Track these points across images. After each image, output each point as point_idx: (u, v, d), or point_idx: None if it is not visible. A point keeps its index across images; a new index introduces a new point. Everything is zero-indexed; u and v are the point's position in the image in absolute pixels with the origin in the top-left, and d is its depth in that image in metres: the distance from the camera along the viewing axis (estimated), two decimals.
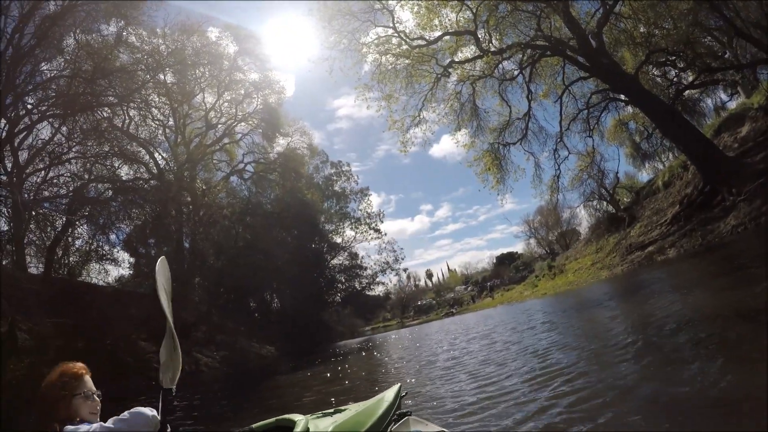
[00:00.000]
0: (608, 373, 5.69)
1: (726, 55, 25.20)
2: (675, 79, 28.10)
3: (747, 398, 3.81)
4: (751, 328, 5.82)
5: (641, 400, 4.48)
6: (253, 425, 3.70)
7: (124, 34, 24.99)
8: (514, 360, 8.11)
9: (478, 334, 16.90)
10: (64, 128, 22.40)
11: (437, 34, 26.57)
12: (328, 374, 13.72)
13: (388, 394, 4.35)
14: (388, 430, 3.52)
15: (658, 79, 28.54)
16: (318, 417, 3.90)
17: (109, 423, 2.44)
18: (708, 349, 5.45)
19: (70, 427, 2.33)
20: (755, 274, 9.24)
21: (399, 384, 4.87)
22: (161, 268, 3.09)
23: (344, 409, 4.14)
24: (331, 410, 4.14)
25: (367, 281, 47.98)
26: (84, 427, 2.36)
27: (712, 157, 21.75)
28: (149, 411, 2.54)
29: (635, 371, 5.40)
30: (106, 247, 25.47)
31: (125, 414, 2.51)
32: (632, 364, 5.81)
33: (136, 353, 21.28)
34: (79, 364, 2.58)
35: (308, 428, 3.39)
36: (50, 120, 22.06)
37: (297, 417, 3.62)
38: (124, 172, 26.33)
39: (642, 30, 24.49)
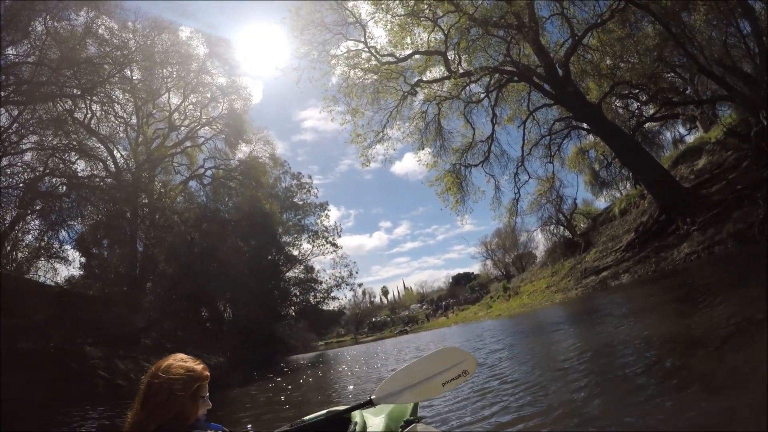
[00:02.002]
0: (568, 403, 5.64)
1: (687, 91, 26.34)
2: (637, 112, 29.33)
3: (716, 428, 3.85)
4: (710, 356, 5.87)
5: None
6: (305, 417, 3.75)
7: (95, 25, 24.08)
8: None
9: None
10: (23, 117, 21.36)
11: (408, 52, 26.81)
12: (271, 394, 13.40)
13: None
14: None
15: (620, 111, 29.71)
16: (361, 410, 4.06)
17: None
18: (671, 378, 5.43)
19: None
20: (709, 302, 9.40)
21: None
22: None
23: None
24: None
25: (321, 296, 47.48)
26: None
27: (668, 187, 22.65)
28: None
29: (598, 402, 5.34)
30: (57, 245, 24.40)
31: None
32: (593, 393, 5.76)
33: (80, 358, 20.33)
34: (200, 363, 2.35)
35: (364, 419, 3.62)
36: (9, 107, 21.04)
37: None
38: (80, 167, 25.35)
39: (608, 62, 25.41)
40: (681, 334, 7.44)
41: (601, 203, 41.58)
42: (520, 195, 30.62)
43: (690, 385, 4.97)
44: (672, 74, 26.30)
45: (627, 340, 8.74)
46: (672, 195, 22.27)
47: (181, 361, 2.27)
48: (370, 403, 3.47)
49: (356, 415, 3.62)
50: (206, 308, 38.27)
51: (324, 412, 3.83)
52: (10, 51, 20.64)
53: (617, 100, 28.96)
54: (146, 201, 30.54)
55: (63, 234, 24.62)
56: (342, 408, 3.84)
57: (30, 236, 23.57)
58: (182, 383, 2.18)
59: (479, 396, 7.35)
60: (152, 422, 2.09)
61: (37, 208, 22.25)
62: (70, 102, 23.22)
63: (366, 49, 27.03)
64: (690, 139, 31.72)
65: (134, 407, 2.18)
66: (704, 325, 7.58)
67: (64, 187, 23.53)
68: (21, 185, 21.25)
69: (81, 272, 28.59)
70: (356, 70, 27.39)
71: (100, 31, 24.33)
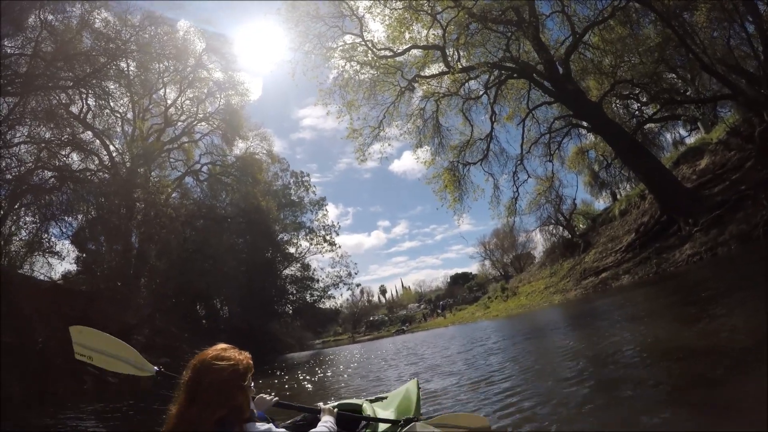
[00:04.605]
0: (558, 411, 5.49)
1: (688, 93, 26.03)
2: (637, 112, 28.91)
3: None
4: (706, 368, 5.57)
5: None
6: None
7: (90, 17, 23.69)
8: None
9: (430, 359, 16.18)
10: (16, 110, 20.86)
11: (406, 47, 26.42)
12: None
13: (411, 387, 4.75)
14: None
15: (621, 111, 29.32)
16: (370, 401, 4.35)
17: None
18: (667, 391, 5.22)
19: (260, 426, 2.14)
20: (711, 308, 9.06)
21: (416, 378, 5.21)
22: None
23: (384, 397, 4.81)
24: (372, 397, 4.76)
25: (318, 294, 47.35)
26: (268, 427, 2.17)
27: (670, 188, 22.30)
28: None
29: (592, 416, 5.09)
30: (48, 240, 23.93)
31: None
32: (588, 406, 5.50)
33: (66, 354, 19.87)
34: (243, 352, 2.27)
35: (374, 409, 3.93)
36: (5, 99, 20.57)
37: (357, 401, 4.17)
38: (74, 161, 24.95)
39: (609, 61, 25.03)
40: (685, 343, 7.09)
41: (600, 204, 41.51)
42: (519, 194, 30.48)
43: (691, 400, 4.73)
44: (673, 75, 26.11)
45: (628, 348, 8.37)
46: (673, 195, 21.95)
47: (223, 351, 2.18)
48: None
49: (367, 408, 3.88)
50: (201, 305, 38.04)
51: (335, 404, 3.93)
52: (5, 43, 20.27)
53: (618, 100, 28.67)
54: (141, 196, 30.20)
55: (56, 229, 24.20)
56: (354, 401, 4.20)
57: (25, 231, 23.17)
58: (233, 376, 2.10)
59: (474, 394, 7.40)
60: (207, 419, 1.98)
61: (28, 201, 21.84)
62: (64, 95, 22.85)
63: (362, 43, 26.69)
64: (690, 140, 31.68)
65: (178, 402, 2.06)
66: (710, 333, 7.25)
67: (55, 181, 23.10)
68: (9, 177, 20.85)
69: (78, 267, 28.25)
70: (352, 63, 27.07)
71: (96, 24, 24.05)
